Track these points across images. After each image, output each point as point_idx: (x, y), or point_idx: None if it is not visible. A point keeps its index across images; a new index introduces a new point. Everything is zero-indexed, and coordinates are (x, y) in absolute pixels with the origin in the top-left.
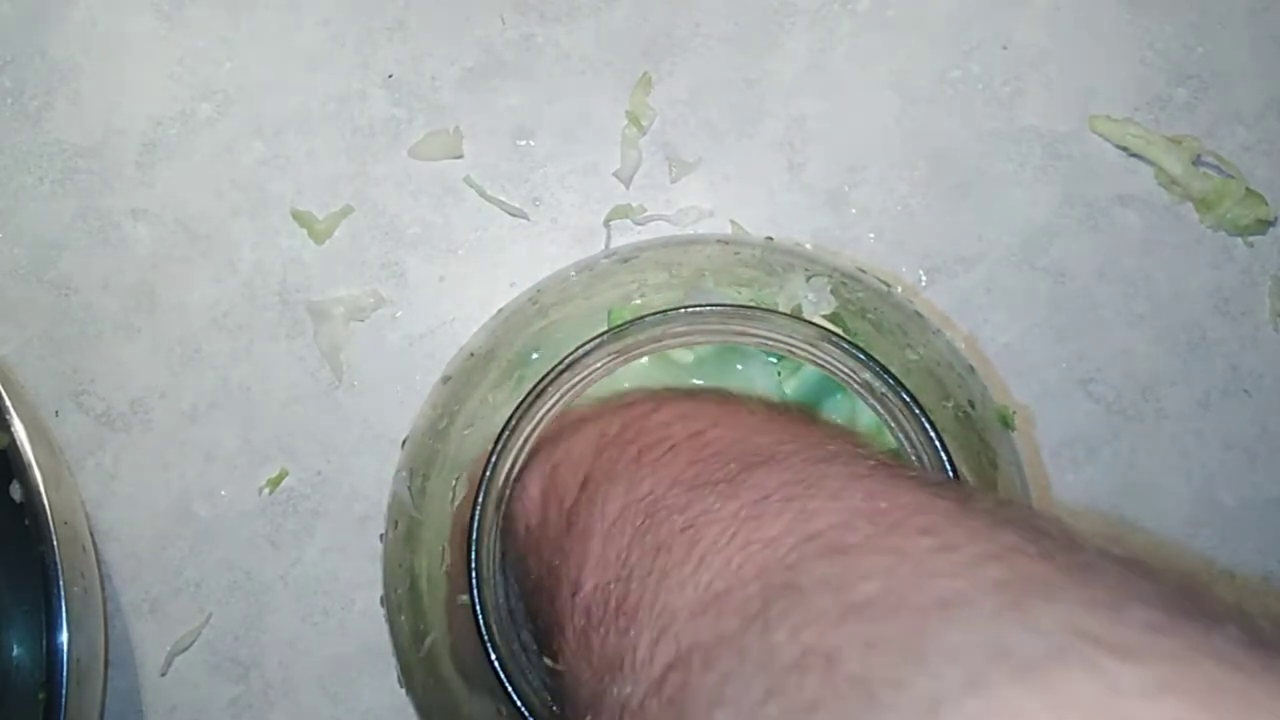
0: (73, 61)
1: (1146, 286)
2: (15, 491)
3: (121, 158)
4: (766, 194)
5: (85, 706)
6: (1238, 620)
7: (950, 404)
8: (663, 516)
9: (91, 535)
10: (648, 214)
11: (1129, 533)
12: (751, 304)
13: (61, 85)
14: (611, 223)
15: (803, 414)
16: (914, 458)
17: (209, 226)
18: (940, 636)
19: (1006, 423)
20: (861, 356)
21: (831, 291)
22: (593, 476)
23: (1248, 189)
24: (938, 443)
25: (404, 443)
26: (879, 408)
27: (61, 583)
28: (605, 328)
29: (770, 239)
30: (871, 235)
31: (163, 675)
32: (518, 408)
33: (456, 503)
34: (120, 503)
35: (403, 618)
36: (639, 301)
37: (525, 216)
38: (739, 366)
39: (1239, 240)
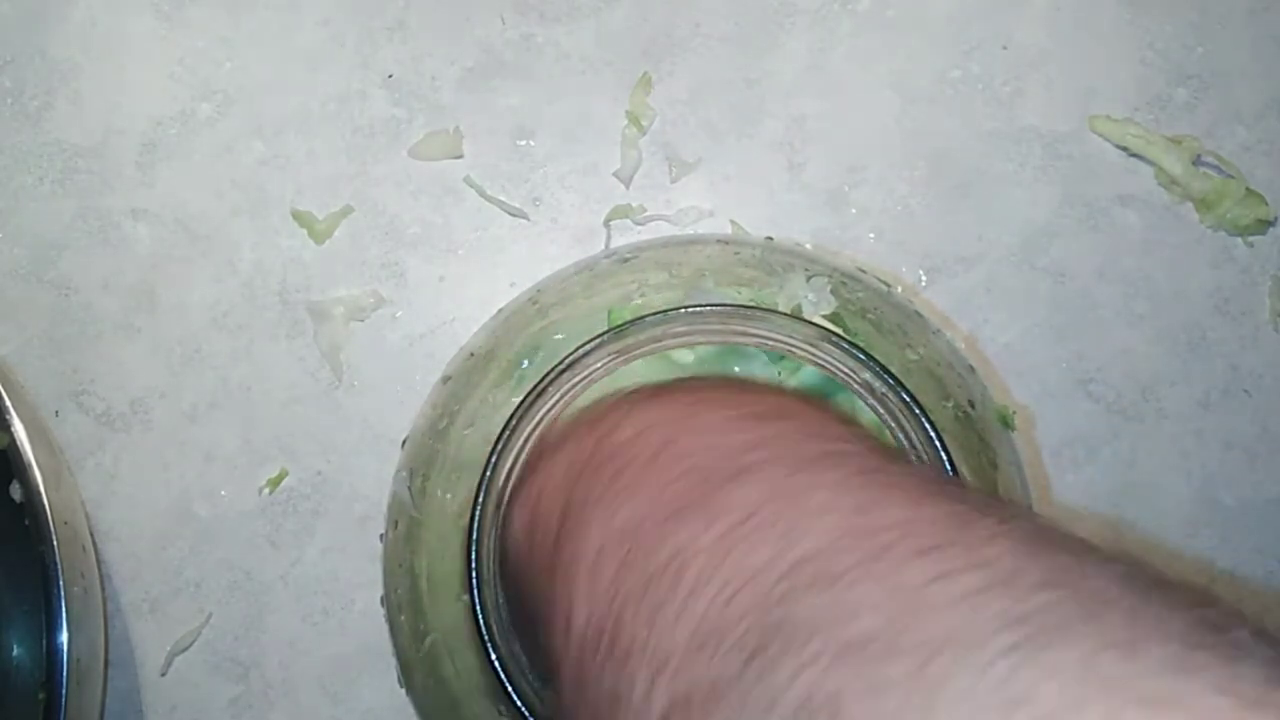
0: (73, 61)
1: (1146, 286)
2: (15, 491)
3: (121, 158)
4: (766, 194)
5: (85, 706)
6: (1258, 644)
7: (950, 404)
8: (646, 547)
9: (91, 535)
10: (648, 214)
11: (1129, 532)
12: (751, 304)
13: (61, 85)
14: (611, 223)
15: (778, 394)
16: (914, 458)
17: (209, 226)
18: (947, 683)
19: (1006, 423)
20: (861, 356)
21: (831, 291)
22: (572, 505)
23: (1248, 189)
24: (938, 443)
25: (404, 443)
26: (879, 408)
27: (61, 583)
28: (605, 328)
29: (770, 239)
30: (871, 235)
31: (163, 675)
32: (518, 408)
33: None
34: (120, 503)
35: (403, 617)
36: (639, 301)
37: (525, 216)
38: (736, 368)
39: (1239, 240)
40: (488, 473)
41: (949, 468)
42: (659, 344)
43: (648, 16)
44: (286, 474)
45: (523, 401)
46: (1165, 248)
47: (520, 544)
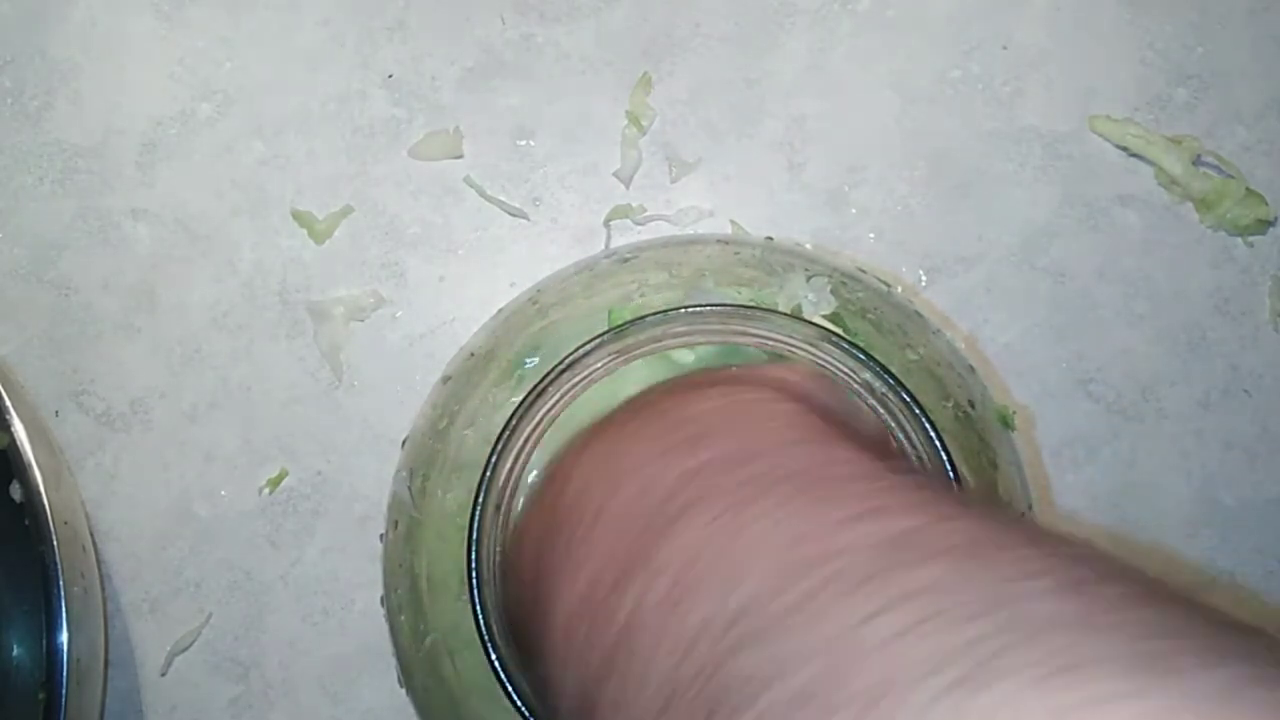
0: (73, 61)
1: (1146, 286)
2: (15, 491)
3: (121, 158)
4: (766, 194)
5: (85, 706)
6: (1208, 652)
7: (950, 404)
8: (602, 618)
9: (91, 535)
10: (648, 214)
11: (1129, 533)
12: (751, 304)
13: (61, 85)
14: (611, 223)
15: (727, 388)
16: (914, 458)
17: (209, 226)
18: None
19: (1006, 423)
20: (861, 356)
21: (831, 291)
22: (541, 572)
23: (1248, 189)
24: (938, 443)
25: (404, 443)
26: (879, 408)
27: (61, 583)
28: (605, 328)
29: (770, 239)
30: (871, 235)
31: (163, 675)
32: (518, 408)
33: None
34: (120, 503)
35: (403, 617)
36: (639, 301)
37: (525, 216)
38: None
39: (1239, 240)
40: (488, 473)
41: (949, 468)
42: (659, 344)
43: (648, 16)
44: (286, 474)
45: (523, 401)
46: (1165, 248)
47: (518, 594)
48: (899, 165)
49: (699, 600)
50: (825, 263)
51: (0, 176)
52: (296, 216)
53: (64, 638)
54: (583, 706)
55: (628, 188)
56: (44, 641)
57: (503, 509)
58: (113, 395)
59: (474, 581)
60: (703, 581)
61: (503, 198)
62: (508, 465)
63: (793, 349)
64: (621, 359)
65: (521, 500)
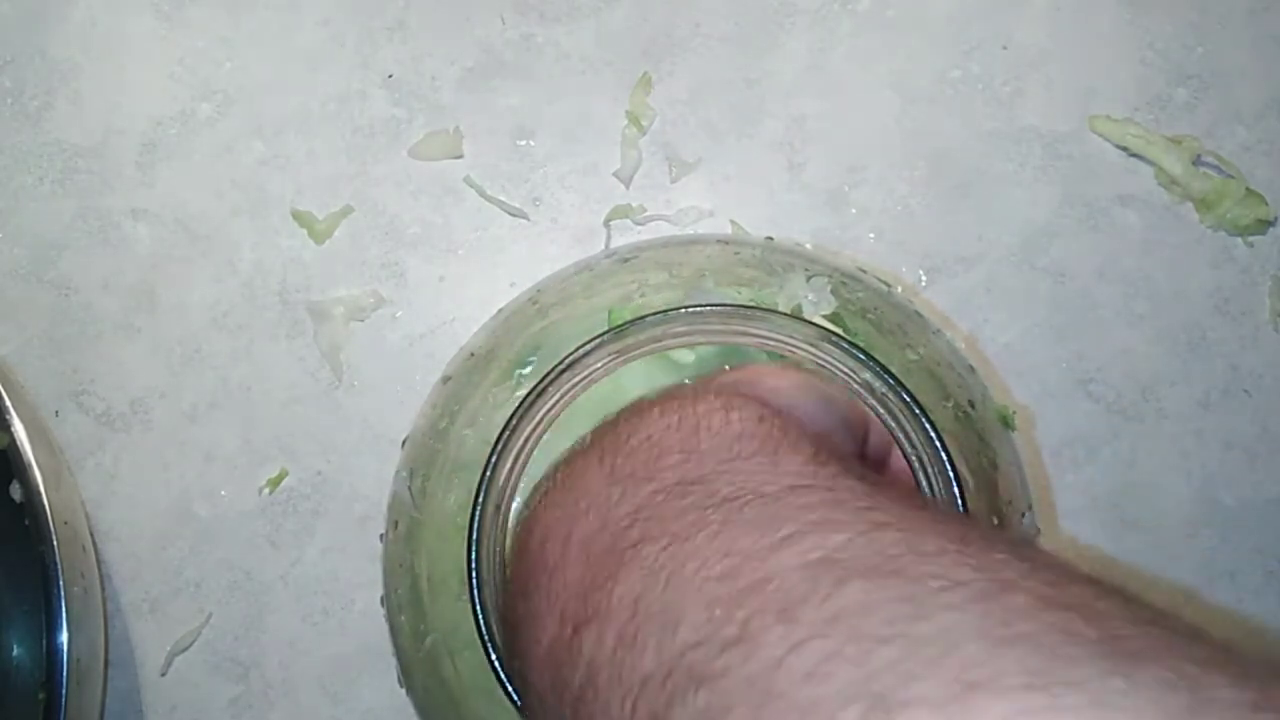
0: (73, 61)
1: (1146, 286)
2: (15, 491)
3: (121, 158)
4: (766, 194)
5: (85, 706)
6: (1118, 663)
7: (950, 404)
8: (566, 665)
9: (91, 535)
10: (648, 214)
11: (1129, 534)
12: (752, 304)
13: (61, 85)
14: (611, 223)
15: (681, 394)
16: (914, 458)
17: (209, 226)
18: None
19: (1007, 423)
20: (862, 357)
21: (832, 292)
22: (520, 615)
23: (1248, 189)
24: (938, 443)
25: (404, 443)
26: (879, 408)
27: (61, 583)
28: (605, 328)
29: (770, 239)
30: (871, 235)
31: (163, 675)
32: (518, 408)
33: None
34: (120, 503)
35: (403, 618)
36: (639, 301)
37: (525, 216)
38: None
39: (1239, 240)
40: (488, 473)
41: (949, 468)
42: (659, 344)
43: (648, 16)
44: (286, 474)
45: (523, 401)
46: (1165, 248)
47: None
48: (899, 165)
49: (645, 646)
50: (825, 263)
51: (0, 176)
52: (296, 216)
53: (64, 638)
54: None
55: (628, 188)
56: (44, 641)
57: (503, 509)
58: (113, 395)
59: (474, 582)
60: (646, 626)
61: (503, 198)
62: (508, 465)
63: (793, 349)
64: (621, 359)
65: (515, 513)
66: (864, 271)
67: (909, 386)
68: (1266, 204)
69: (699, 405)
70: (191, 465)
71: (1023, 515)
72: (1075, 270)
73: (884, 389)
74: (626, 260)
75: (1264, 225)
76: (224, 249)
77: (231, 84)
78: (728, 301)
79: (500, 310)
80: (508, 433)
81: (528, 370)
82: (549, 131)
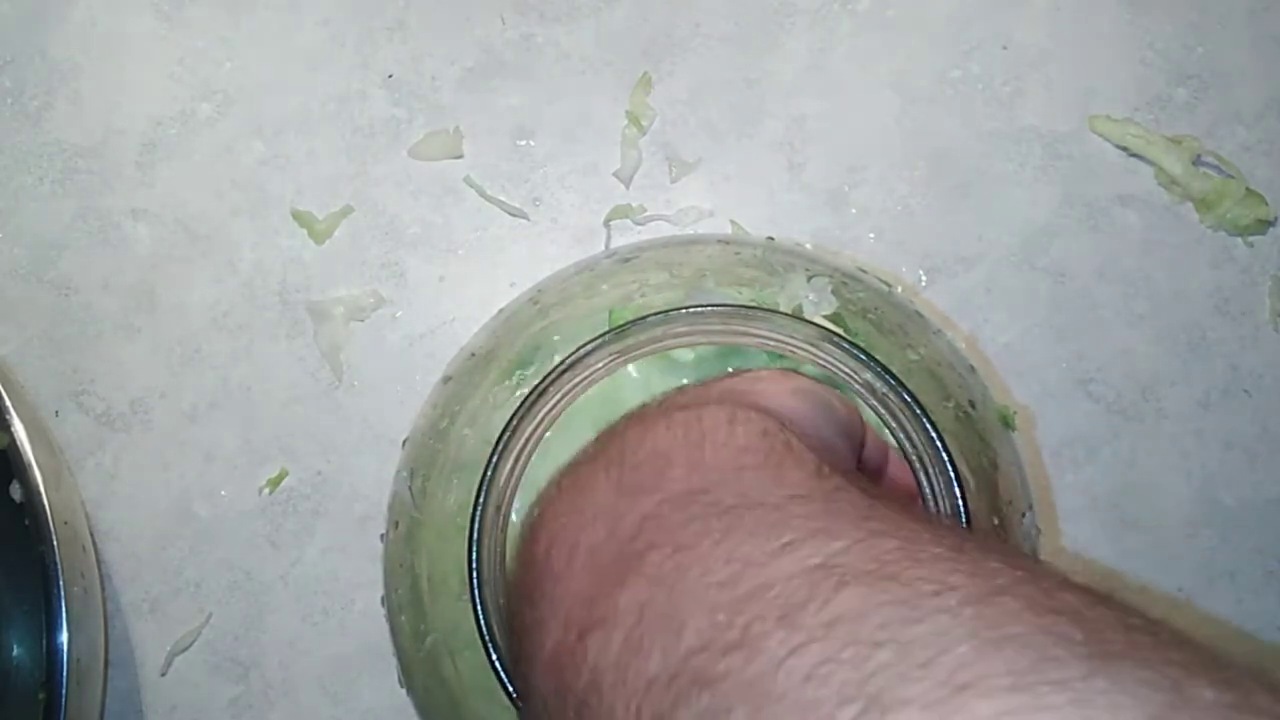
0: (73, 61)
1: (1146, 286)
2: (15, 491)
3: (121, 158)
4: (766, 194)
5: (85, 706)
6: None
7: (951, 404)
8: (570, 670)
9: (91, 535)
10: (648, 214)
11: (1129, 534)
12: (753, 304)
13: (61, 85)
14: (611, 223)
15: (687, 404)
16: (915, 459)
17: (209, 226)
18: None
19: (1007, 423)
20: (863, 357)
21: (833, 292)
22: (526, 622)
23: (1248, 189)
24: (939, 443)
25: (405, 443)
26: (880, 408)
27: (61, 583)
28: (606, 328)
29: (771, 239)
30: (871, 235)
31: (163, 675)
32: (519, 408)
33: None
34: (120, 503)
35: (403, 618)
36: (640, 301)
37: (525, 216)
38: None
39: (1239, 240)
40: (489, 473)
41: (951, 469)
42: (660, 344)
43: (648, 16)
44: (286, 474)
45: (524, 401)
46: (1165, 248)
47: (511, 641)
48: (899, 165)
49: (651, 651)
50: (826, 263)
51: (0, 176)
52: (296, 216)
53: (64, 638)
54: None
55: (628, 188)
56: (44, 641)
57: (503, 509)
58: (113, 395)
59: (475, 582)
60: (652, 632)
61: (503, 198)
62: (509, 465)
63: (794, 349)
64: (623, 359)
65: (517, 518)
66: (865, 272)
67: (910, 387)
68: (1266, 204)
69: (705, 419)
70: (191, 465)
71: (1023, 515)
72: (1075, 270)
73: (885, 389)
74: (627, 260)
75: (1264, 225)
76: (224, 249)
77: (231, 84)
78: (729, 302)
79: (501, 310)
80: (508, 433)
81: (529, 370)
82: (549, 131)
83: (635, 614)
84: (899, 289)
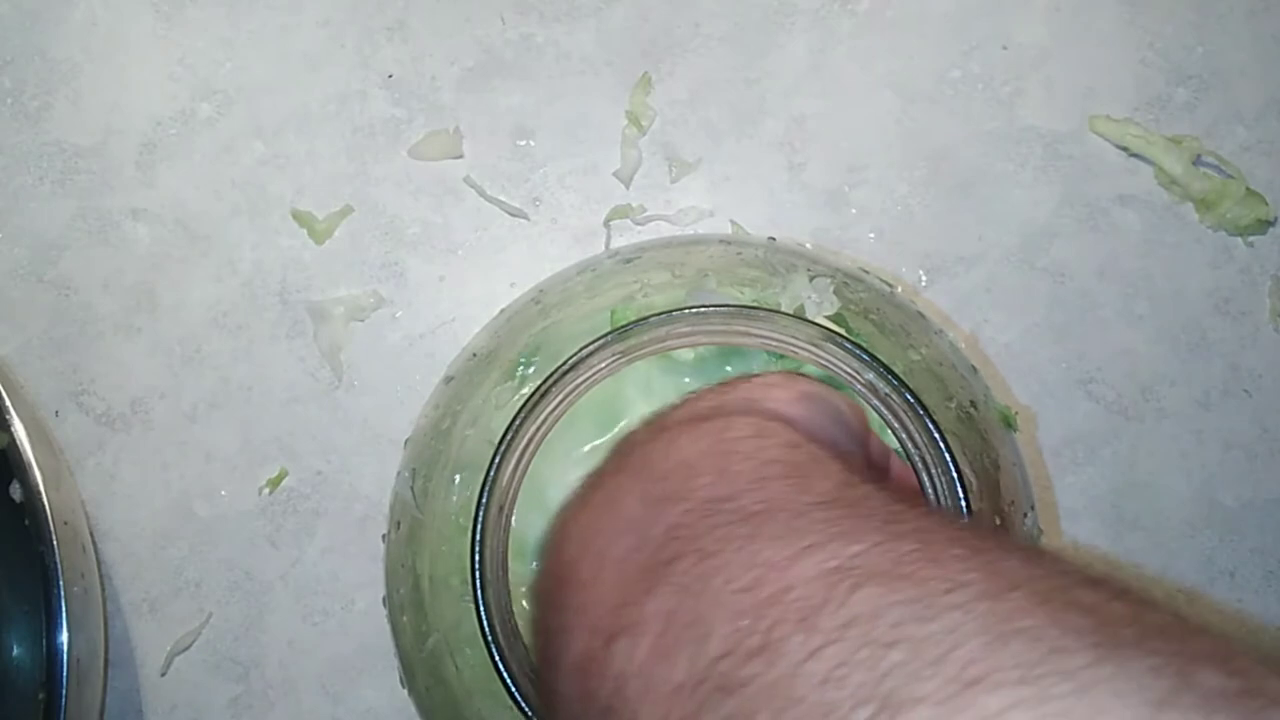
0: (73, 61)
1: (1146, 286)
2: (15, 491)
3: (121, 158)
4: (766, 194)
5: (85, 706)
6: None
7: (953, 405)
8: (596, 675)
9: (91, 535)
10: (648, 214)
11: (1129, 534)
12: (755, 305)
13: (61, 85)
14: (611, 223)
15: (707, 415)
16: (917, 459)
17: (209, 226)
18: None
19: (1009, 423)
20: (865, 357)
21: (835, 292)
22: (552, 628)
23: (1248, 189)
24: (942, 444)
25: (406, 443)
26: (882, 409)
27: (61, 583)
28: (608, 328)
29: (773, 239)
30: (871, 235)
31: (163, 675)
32: (522, 408)
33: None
34: (120, 503)
35: (405, 618)
36: (641, 302)
37: (525, 216)
38: (728, 368)
39: (1239, 240)
40: (491, 473)
41: (953, 469)
42: (663, 344)
43: (648, 16)
44: (286, 474)
45: (527, 402)
46: (1165, 248)
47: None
48: (899, 165)
49: (678, 658)
50: (828, 263)
51: (0, 176)
52: (296, 216)
53: (64, 638)
54: None
55: (628, 188)
56: (44, 641)
57: (506, 509)
58: (113, 395)
59: (478, 582)
60: (679, 639)
61: (503, 198)
62: (511, 466)
63: (796, 350)
64: (625, 359)
65: (538, 539)
66: (866, 272)
67: (912, 387)
68: (1266, 204)
69: (731, 430)
70: (191, 465)
71: (1025, 516)
72: (1075, 270)
73: (887, 390)
74: (629, 260)
75: (1264, 225)
76: (224, 249)
77: (231, 84)
78: (731, 302)
79: (502, 310)
80: (511, 433)
81: (530, 370)
82: (549, 131)
83: (662, 621)
84: (899, 289)
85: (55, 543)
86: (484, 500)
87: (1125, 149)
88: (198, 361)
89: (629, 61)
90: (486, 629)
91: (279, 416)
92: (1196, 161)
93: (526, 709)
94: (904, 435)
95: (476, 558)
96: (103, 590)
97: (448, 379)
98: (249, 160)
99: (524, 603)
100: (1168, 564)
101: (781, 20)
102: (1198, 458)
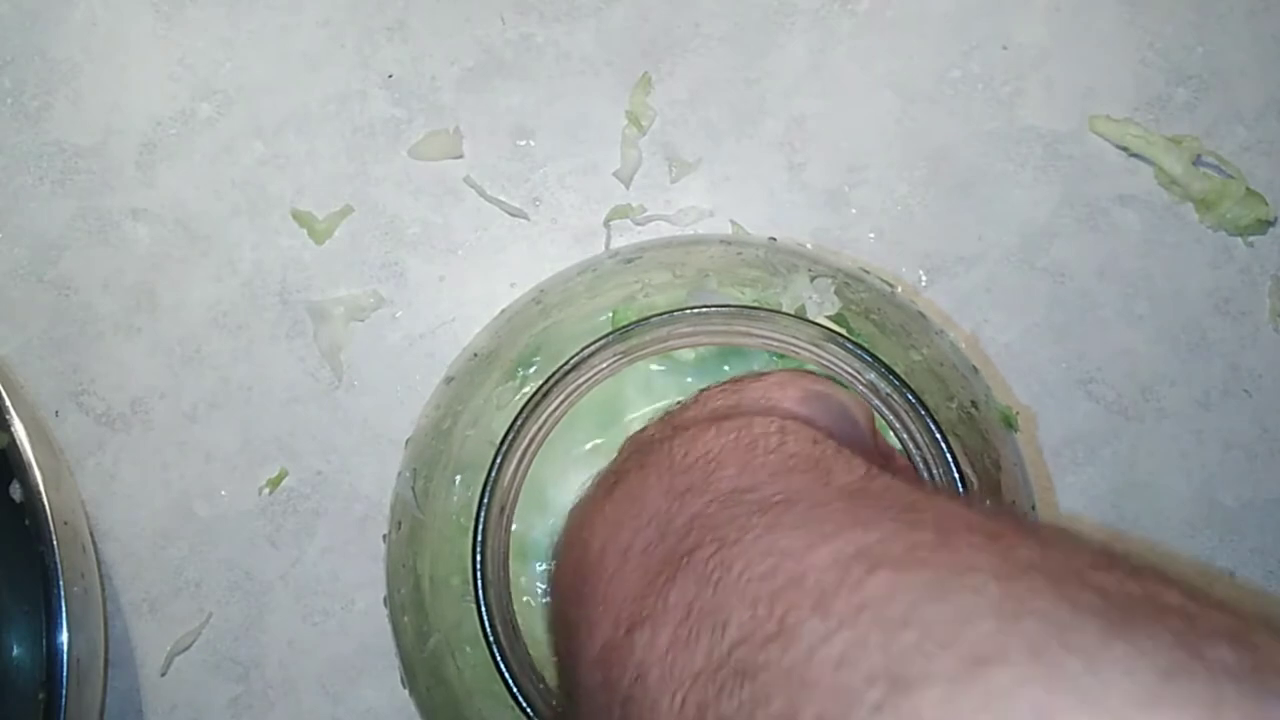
0: (73, 61)
1: (1146, 286)
2: (15, 491)
3: (121, 158)
4: (766, 194)
5: (85, 706)
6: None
7: (954, 405)
8: (617, 664)
9: (91, 535)
10: (648, 214)
11: (1129, 533)
12: (756, 305)
13: (61, 85)
14: (611, 223)
15: (726, 414)
16: (919, 460)
17: (209, 226)
18: None
19: (1010, 423)
20: (866, 357)
21: (836, 292)
22: (573, 621)
23: (1248, 189)
24: (943, 444)
25: (407, 443)
26: (884, 408)
27: (61, 583)
28: (609, 328)
29: (773, 239)
30: (871, 235)
31: (163, 675)
32: (523, 409)
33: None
34: (120, 503)
35: (406, 618)
36: (642, 302)
37: (525, 216)
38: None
39: (1239, 240)
40: (492, 474)
41: (954, 469)
42: (664, 344)
43: (648, 16)
44: (286, 474)
45: (528, 402)
46: (1165, 248)
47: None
48: (899, 165)
49: (697, 645)
50: (828, 263)
51: (0, 176)
52: (296, 216)
53: (64, 638)
54: None
55: (628, 188)
56: (44, 641)
57: (507, 510)
58: (113, 395)
59: (479, 582)
60: (698, 627)
61: (503, 198)
62: (512, 466)
63: (797, 350)
64: (626, 359)
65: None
66: (867, 272)
67: (914, 387)
68: (1266, 204)
69: (755, 426)
70: (191, 465)
71: (1026, 515)
72: (1075, 270)
73: (889, 390)
74: (630, 260)
75: (1264, 225)
76: (224, 249)
77: (231, 84)
78: (732, 302)
79: (503, 310)
80: (512, 434)
81: (531, 371)
82: (549, 131)
83: (683, 610)
84: (900, 289)
85: (55, 543)
86: (485, 500)
87: (1125, 149)
88: (198, 361)
89: (629, 61)
90: (488, 629)
91: (279, 416)
92: (1196, 161)
93: (527, 709)
94: (905, 435)
95: (478, 558)
96: (103, 590)
97: (448, 379)
98: (249, 160)
99: (525, 599)
100: (1168, 564)
101: (781, 20)
102: (1198, 458)
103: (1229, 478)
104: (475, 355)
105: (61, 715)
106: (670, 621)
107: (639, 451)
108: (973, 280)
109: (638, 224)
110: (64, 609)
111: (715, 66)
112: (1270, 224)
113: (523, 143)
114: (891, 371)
